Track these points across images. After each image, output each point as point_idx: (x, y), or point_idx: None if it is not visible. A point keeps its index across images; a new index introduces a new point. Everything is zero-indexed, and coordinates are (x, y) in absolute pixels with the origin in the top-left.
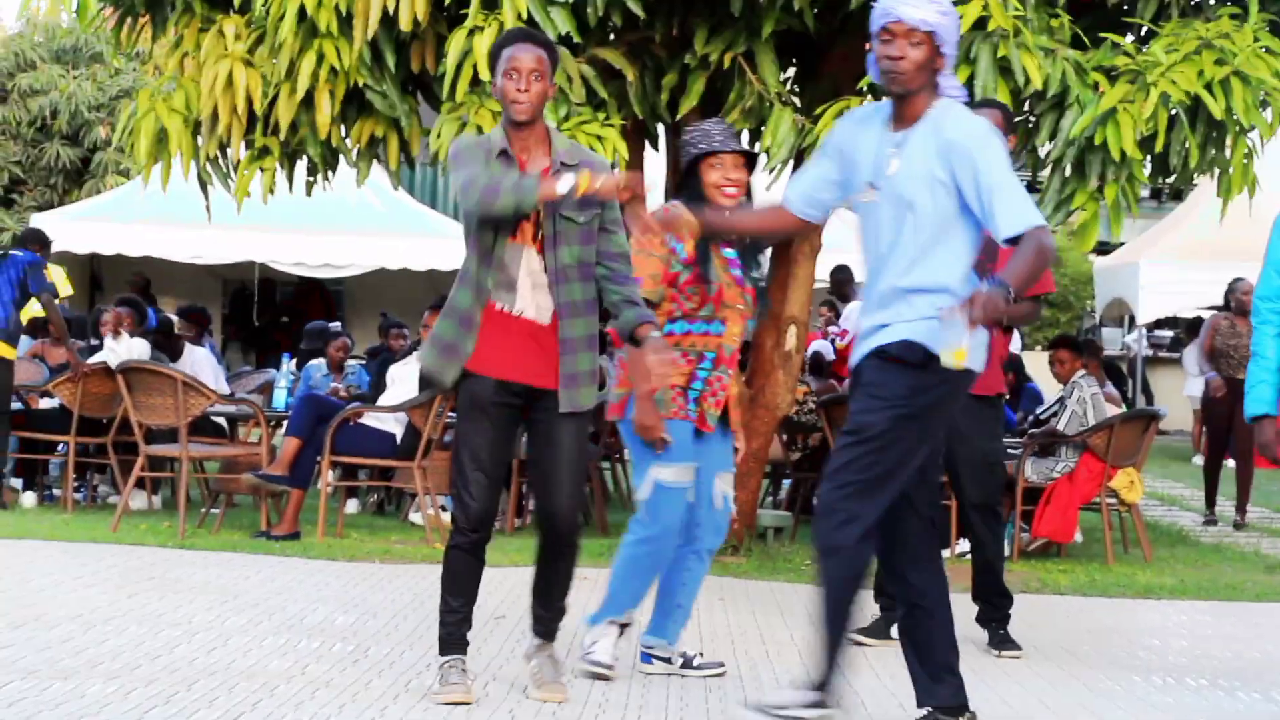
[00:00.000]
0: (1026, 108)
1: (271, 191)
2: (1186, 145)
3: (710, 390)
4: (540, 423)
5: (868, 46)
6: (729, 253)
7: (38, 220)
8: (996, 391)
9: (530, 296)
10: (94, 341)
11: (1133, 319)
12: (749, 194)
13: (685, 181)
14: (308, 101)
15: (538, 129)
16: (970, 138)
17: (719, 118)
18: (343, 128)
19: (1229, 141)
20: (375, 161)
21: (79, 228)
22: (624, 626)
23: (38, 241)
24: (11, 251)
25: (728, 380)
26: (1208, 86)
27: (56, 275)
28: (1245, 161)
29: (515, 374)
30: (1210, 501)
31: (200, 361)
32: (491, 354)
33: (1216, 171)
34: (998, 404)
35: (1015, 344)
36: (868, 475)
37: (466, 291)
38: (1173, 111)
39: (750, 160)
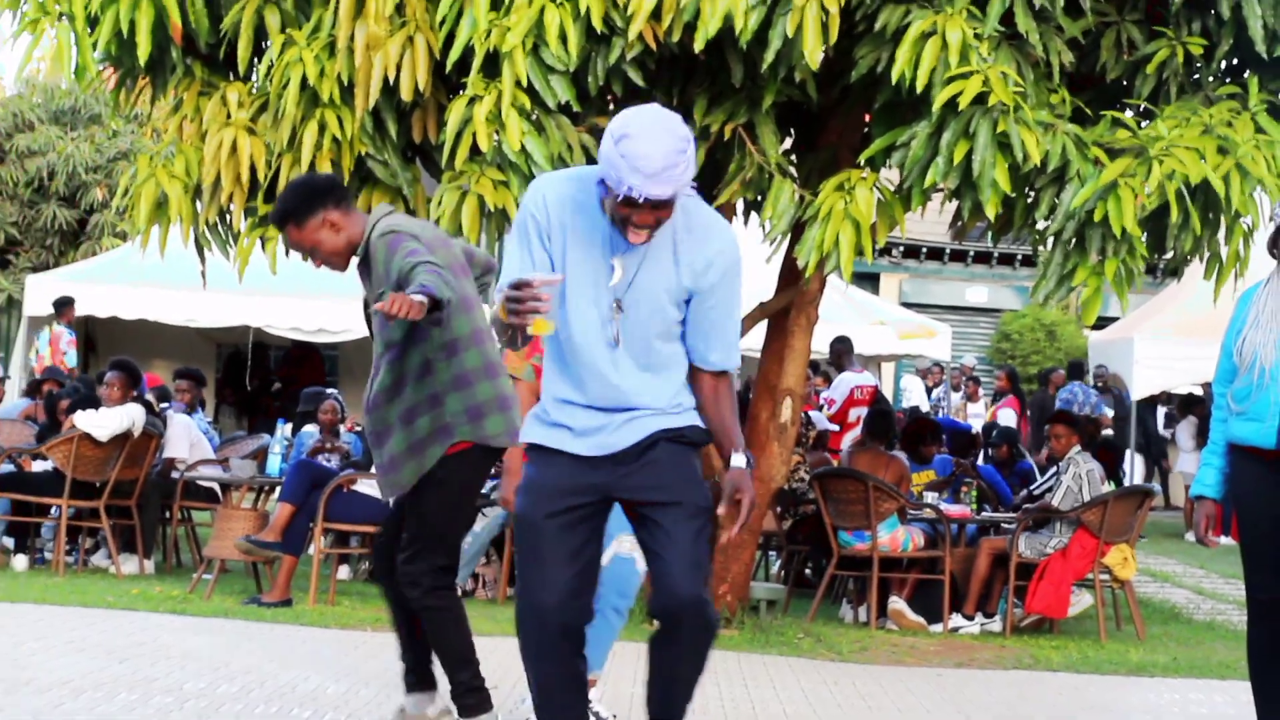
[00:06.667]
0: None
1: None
2: (1184, 225)
3: None
4: None
5: (867, 118)
6: None
7: (33, 282)
8: None
9: None
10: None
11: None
12: None
13: None
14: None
15: None
16: None
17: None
18: None
19: (1223, 225)
20: None
21: (74, 290)
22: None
23: None
24: None
25: None
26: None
27: None
28: (1240, 247)
29: None
30: None
31: (178, 429)
32: None
33: (1207, 255)
34: None
35: (1009, 418)
36: None
37: None
38: (1176, 189)
39: None
